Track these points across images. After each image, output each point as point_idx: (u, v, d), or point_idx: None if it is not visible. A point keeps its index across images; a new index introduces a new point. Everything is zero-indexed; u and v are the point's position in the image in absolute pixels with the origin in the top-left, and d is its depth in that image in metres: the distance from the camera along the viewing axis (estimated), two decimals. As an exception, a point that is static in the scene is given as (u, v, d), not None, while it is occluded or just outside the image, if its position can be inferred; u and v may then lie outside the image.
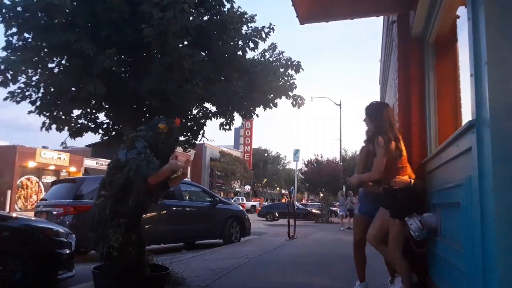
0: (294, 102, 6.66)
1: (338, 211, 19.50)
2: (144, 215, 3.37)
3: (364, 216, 3.82)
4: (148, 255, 3.33)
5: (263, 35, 5.96)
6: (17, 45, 4.97)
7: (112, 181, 3.18)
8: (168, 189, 3.46)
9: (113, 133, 6.08)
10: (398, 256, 3.19)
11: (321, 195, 30.46)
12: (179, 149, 6.55)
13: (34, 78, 5.17)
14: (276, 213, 26.31)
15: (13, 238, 3.98)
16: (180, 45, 5.10)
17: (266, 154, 59.30)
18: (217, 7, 5.71)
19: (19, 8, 4.71)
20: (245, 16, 5.98)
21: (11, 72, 4.83)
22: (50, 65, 5.20)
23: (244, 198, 43.73)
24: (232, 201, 25.58)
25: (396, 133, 3.28)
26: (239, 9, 5.90)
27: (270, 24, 6.09)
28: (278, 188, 64.92)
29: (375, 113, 3.33)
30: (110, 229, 3.09)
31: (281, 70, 6.44)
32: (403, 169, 3.21)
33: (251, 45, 5.97)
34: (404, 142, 3.83)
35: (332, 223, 22.95)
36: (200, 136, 6.39)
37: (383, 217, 3.33)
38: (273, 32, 6.12)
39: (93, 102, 5.50)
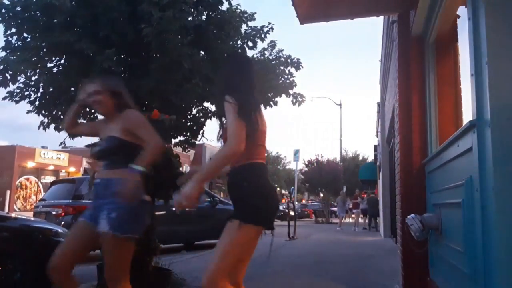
0: (294, 100, 6.66)
1: (337, 212, 19.88)
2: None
3: (87, 222, 2.37)
4: (154, 256, 3.36)
5: (262, 35, 5.96)
6: (16, 45, 4.96)
7: None
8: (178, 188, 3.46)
9: (113, 133, 6.08)
10: None
11: (321, 195, 30.49)
12: (178, 149, 6.56)
13: (33, 78, 5.15)
14: None
15: (12, 238, 3.97)
16: (180, 45, 5.09)
17: (266, 154, 59.31)
18: (216, 5, 5.70)
19: (18, 8, 4.70)
20: (245, 15, 5.98)
21: (10, 72, 4.82)
22: (49, 65, 5.19)
23: (244, 198, 43.67)
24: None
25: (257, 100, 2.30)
26: (239, 7, 5.89)
27: (269, 23, 6.08)
28: (278, 188, 64.96)
29: (238, 67, 2.24)
30: None
31: (281, 68, 6.44)
32: (262, 149, 2.28)
33: (250, 44, 5.97)
34: (404, 142, 3.83)
35: (332, 223, 22.98)
36: (200, 136, 6.38)
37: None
38: (272, 31, 6.11)
39: (92, 102, 5.49)
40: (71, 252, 2.30)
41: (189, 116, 6.15)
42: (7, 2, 4.70)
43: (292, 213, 12.40)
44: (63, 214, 6.93)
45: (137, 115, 2.51)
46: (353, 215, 18.53)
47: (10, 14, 4.67)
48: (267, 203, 2.03)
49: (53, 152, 28.73)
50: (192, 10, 5.03)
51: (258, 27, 6.00)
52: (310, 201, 48.65)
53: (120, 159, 2.33)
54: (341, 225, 17.81)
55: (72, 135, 5.72)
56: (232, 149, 1.91)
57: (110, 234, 2.20)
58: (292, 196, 16.41)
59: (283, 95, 6.59)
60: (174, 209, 1.85)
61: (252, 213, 1.97)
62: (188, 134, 6.21)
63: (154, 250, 3.36)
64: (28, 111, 5.33)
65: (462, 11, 2.82)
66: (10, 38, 4.89)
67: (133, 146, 2.37)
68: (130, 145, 2.37)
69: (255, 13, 6.04)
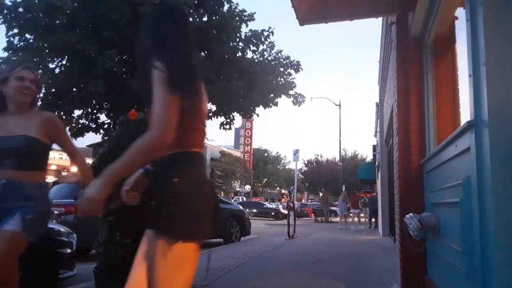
0: (294, 101, 6.75)
1: (337, 211, 20.09)
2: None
3: None
4: None
5: (263, 39, 6.03)
6: (18, 46, 4.98)
7: None
8: None
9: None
10: None
11: (321, 194, 30.55)
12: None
13: (35, 79, 5.20)
14: None
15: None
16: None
17: (266, 154, 59.34)
18: (216, 7, 5.73)
19: (20, 9, 4.72)
20: (244, 14, 6.01)
21: (12, 73, 4.86)
22: (51, 66, 5.22)
23: (244, 198, 43.74)
24: (233, 200, 25.63)
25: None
26: (237, 7, 5.92)
27: (270, 27, 6.17)
28: (278, 188, 64.93)
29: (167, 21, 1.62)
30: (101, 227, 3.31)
31: (281, 69, 6.50)
32: (201, 134, 1.55)
33: (252, 47, 6.03)
34: (403, 142, 3.85)
35: (331, 223, 23.02)
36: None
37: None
38: (272, 35, 6.21)
39: (94, 102, 5.54)
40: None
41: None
42: (9, 3, 4.73)
43: (291, 212, 12.45)
44: (65, 213, 6.96)
45: (58, 118, 2.46)
46: (351, 214, 18.76)
47: (12, 15, 4.69)
48: (206, 207, 1.51)
49: (55, 152, 28.66)
50: (192, 11, 5.07)
51: (259, 31, 6.07)
52: (309, 200, 48.69)
53: (28, 161, 2.22)
54: (346, 224, 17.92)
55: (75, 135, 5.79)
56: (159, 137, 1.33)
57: (20, 234, 2.13)
58: (292, 195, 16.44)
59: (283, 96, 6.67)
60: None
61: (188, 222, 1.40)
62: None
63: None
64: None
65: (460, 12, 2.85)
66: (12, 39, 4.91)
67: (45, 149, 2.32)
68: (44, 148, 2.30)
69: (255, 13, 6.10)
